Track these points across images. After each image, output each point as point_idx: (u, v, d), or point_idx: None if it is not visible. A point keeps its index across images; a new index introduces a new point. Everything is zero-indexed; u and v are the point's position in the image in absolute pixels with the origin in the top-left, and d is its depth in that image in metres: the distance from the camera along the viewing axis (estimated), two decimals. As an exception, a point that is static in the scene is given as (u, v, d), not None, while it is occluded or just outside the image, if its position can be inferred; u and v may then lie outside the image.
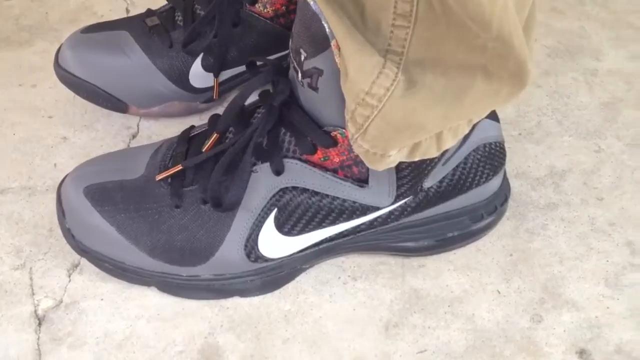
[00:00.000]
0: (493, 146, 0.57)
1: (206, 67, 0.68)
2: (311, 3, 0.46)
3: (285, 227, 0.53)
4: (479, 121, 0.53)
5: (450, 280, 0.58)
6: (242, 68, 0.69)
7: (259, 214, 0.53)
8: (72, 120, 0.71)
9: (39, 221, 0.62)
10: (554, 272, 0.59)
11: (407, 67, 0.44)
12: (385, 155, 0.47)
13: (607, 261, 0.60)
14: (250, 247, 0.54)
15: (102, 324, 0.54)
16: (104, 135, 0.70)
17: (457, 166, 0.55)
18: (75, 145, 0.69)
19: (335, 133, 0.51)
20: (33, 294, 0.56)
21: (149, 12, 0.71)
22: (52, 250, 0.59)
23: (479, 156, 0.56)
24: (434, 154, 0.49)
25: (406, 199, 0.55)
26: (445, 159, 0.54)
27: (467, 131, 0.50)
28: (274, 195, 0.52)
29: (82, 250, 0.56)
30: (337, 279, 0.58)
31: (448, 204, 0.57)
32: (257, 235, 0.53)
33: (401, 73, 0.44)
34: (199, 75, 0.69)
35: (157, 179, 0.54)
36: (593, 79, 0.79)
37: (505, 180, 0.61)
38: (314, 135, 0.51)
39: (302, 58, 0.48)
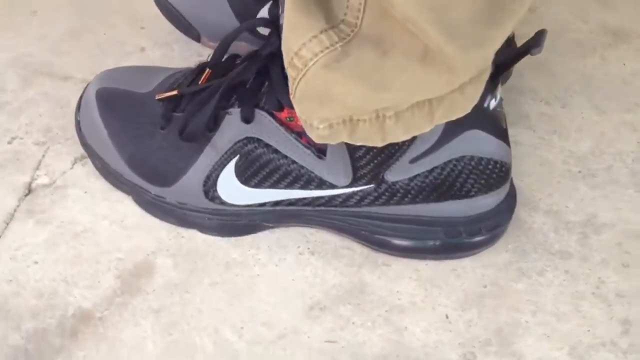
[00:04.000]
0: (487, 163, 0.52)
1: (271, 16, 0.69)
2: None
3: (244, 175, 0.54)
4: (462, 130, 0.49)
5: (404, 288, 0.55)
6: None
7: (222, 156, 0.53)
8: (158, 35, 0.76)
9: (80, 112, 0.67)
10: (520, 320, 0.54)
11: (353, 40, 0.42)
12: (313, 126, 0.45)
13: (588, 331, 0.53)
14: (210, 186, 0.55)
15: (73, 212, 0.59)
16: (177, 56, 0.74)
17: (432, 169, 0.51)
18: (148, 58, 0.74)
19: None
20: (37, 168, 0.62)
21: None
22: (73, 139, 0.64)
23: (460, 167, 0.52)
24: (377, 142, 0.46)
25: (367, 187, 0.52)
26: (414, 157, 0.51)
27: (425, 129, 0.46)
28: (239, 141, 0.53)
29: (84, 143, 0.60)
30: (295, 247, 0.58)
31: (418, 207, 0.53)
32: (218, 175, 0.54)
33: (344, 44, 0.42)
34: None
35: (156, 98, 0.57)
36: (703, 140, 0.68)
37: (504, 207, 0.55)
38: (280, 91, 0.50)
39: (280, 11, 0.48)
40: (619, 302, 0.55)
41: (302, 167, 0.52)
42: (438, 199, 0.53)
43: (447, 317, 0.54)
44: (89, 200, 0.60)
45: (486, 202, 0.54)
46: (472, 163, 0.51)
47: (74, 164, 0.63)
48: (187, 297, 0.54)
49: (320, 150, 0.51)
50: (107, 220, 0.59)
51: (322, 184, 0.52)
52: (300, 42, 0.42)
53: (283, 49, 0.44)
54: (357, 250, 0.58)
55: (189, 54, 0.74)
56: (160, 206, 0.57)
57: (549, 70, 0.75)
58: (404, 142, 0.49)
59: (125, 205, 0.60)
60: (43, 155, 0.63)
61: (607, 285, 0.56)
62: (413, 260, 0.57)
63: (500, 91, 0.51)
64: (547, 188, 0.63)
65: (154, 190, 0.57)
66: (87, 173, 0.62)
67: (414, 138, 0.49)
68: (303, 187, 0.53)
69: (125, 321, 0.52)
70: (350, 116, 0.44)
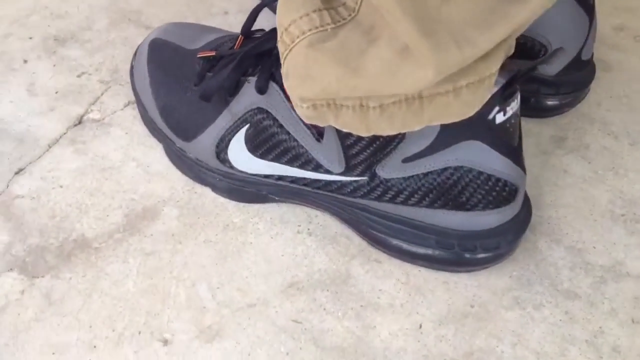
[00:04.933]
0: (487, 178, 0.50)
1: None
2: None
3: (251, 144, 0.55)
4: (460, 138, 0.48)
5: (388, 289, 0.54)
6: None
7: (236, 122, 0.55)
8: (244, 2, 0.79)
9: (150, 60, 0.71)
10: (496, 349, 0.51)
11: (348, 24, 0.42)
12: (298, 105, 0.46)
13: (566, 377, 0.50)
14: (221, 148, 0.56)
15: (108, 149, 0.63)
16: (255, 24, 0.76)
17: (427, 173, 0.50)
18: (227, 22, 0.77)
19: None
20: (93, 103, 0.67)
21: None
22: (133, 83, 0.68)
23: (457, 176, 0.50)
24: (362, 132, 0.46)
25: (360, 178, 0.52)
26: (407, 157, 0.49)
27: (414, 127, 0.45)
28: (250, 110, 0.54)
29: (133, 88, 0.64)
30: (296, 225, 0.58)
31: (412, 210, 0.52)
32: (230, 140, 0.56)
33: (336, 27, 0.42)
34: None
35: (197, 55, 0.60)
36: None
37: (507, 229, 0.53)
38: (288, 67, 0.51)
39: None
40: (612, 357, 0.51)
41: (302, 146, 0.52)
42: (431, 205, 0.51)
43: (420, 326, 0.52)
44: (127, 142, 0.64)
45: (485, 219, 0.51)
46: (470, 175, 0.49)
47: (126, 106, 0.67)
48: (178, 247, 0.56)
49: (320, 134, 0.51)
50: (135, 162, 0.62)
51: (318, 167, 0.52)
52: (291, 19, 0.42)
53: (277, 23, 0.45)
54: (355, 241, 0.57)
55: (266, 24, 0.76)
56: (182, 159, 0.60)
57: (630, 105, 0.70)
58: (392, 138, 0.48)
59: (156, 152, 0.63)
60: (102, 93, 0.68)
61: (606, 337, 0.52)
62: (407, 264, 0.56)
63: (514, 107, 0.49)
64: (579, 224, 0.59)
65: (178, 143, 0.59)
66: (134, 116, 0.66)
67: (403, 136, 0.48)
68: (301, 167, 0.53)
69: (117, 256, 0.55)
70: (333, 100, 0.44)
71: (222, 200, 0.59)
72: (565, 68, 0.65)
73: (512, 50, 0.48)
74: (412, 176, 0.50)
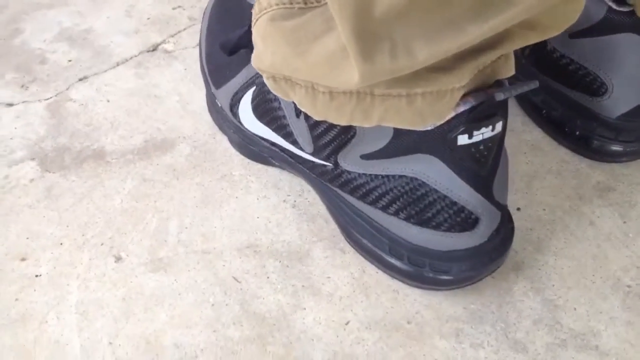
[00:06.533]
0: (441, 198, 0.48)
1: None
2: None
3: (253, 104, 0.57)
4: (415, 148, 0.46)
5: (337, 279, 0.54)
6: None
7: (248, 80, 0.57)
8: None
9: (242, 9, 0.75)
10: (409, 370, 0.50)
11: (320, 8, 0.43)
12: (260, 73, 0.47)
13: (463, 423, 0.48)
14: (235, 102, 0.59)
15: (162, 79, 0.68)
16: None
17: (386, 176, 0.49)
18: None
19: None
20: (172, 36, 0.72)
21: None
22: (215, 26, 0.72)
23: (409, 187, 0.48)
24: (314, 114, 0.46)
25: (326, 163, 0.52)
26: (365, 154, 0.49)
27: (362, 123, 0.45)
28: (258, 73, 0.56)
29: (201, 28, 0.68)
30: (285, 194, 0.59)
31: (369, 208, 0.51)
32: (242, 96, 0.58)
33: (306, 8, 0.43)
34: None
35: (252, 10, 0.62)
36: None
37: (461, 257, 0.50)
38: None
39: None
40: (525, 423, 0.47)
41: (286, 118, 0.53)
42: (386, 209, 0.50)
43: (346, 323, 0.52)
44: (181, 77, 0.68)
45: (436, 239, 0.49)
46: (423, 190, 0.48)
47: (198, 45, 0.71)
48: (173, 182, 0.60)
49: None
50: (178, 97, 0.67)
51: (296, 142, 0.53)
52: None
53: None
54: (331, 226, 0.57)
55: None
56: (214, 104, 0.63)
57: None
58: (346, 131, 0.48)
59: (200, 93, 0.67)
60: (185, 28, 0.73)
61: (531, 401, 0.48)
62: (368, 263, 0.55)
63: (486, 134, 0.46)
64: (573, 280, 0.55)
65: (212, 88, 0.63)
66: (198, 56, 0.70)
67: (355, 131, 0.47)
68: (285, 138, 0.54)
69: (119, 174, 0.60)
70: (289, 75, 0.45)
71: (233, 152, 0.62)
72: (628, 114, 0.58)
73: (508, 73, 0.45)
74: (371, 175, 0.50)
